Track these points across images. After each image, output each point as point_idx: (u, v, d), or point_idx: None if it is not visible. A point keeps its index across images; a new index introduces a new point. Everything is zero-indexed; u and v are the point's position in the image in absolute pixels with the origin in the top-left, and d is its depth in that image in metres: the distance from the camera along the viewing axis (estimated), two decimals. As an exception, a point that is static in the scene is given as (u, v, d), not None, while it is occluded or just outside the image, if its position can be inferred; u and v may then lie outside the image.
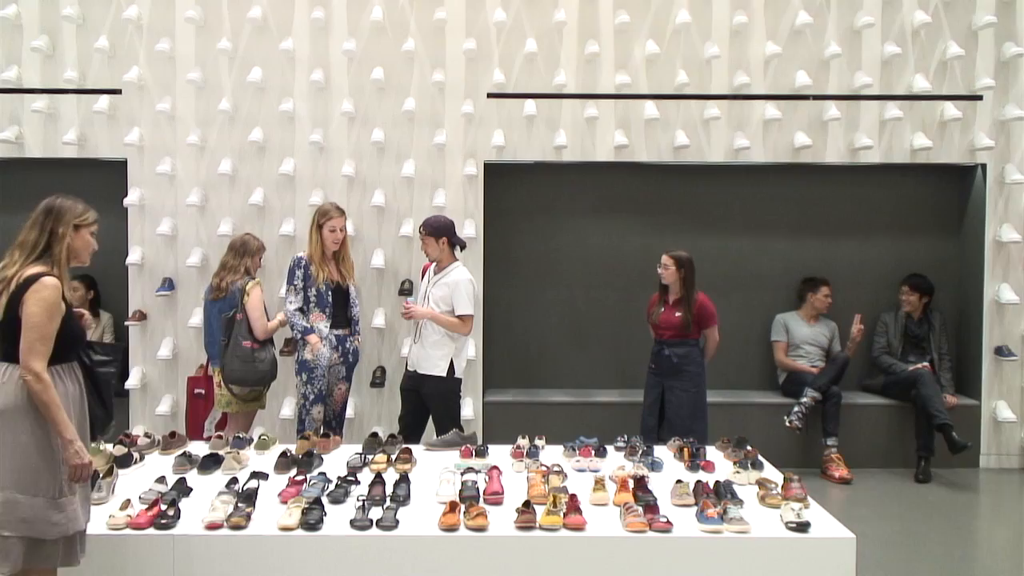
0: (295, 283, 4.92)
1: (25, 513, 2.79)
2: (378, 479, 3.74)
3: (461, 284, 4.78)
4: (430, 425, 5.01)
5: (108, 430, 3.28)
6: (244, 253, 5.16)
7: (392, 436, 4.54)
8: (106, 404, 3.16)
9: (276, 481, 3.80)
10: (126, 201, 6.02)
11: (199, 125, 6.06)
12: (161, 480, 3.70)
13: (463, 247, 4.99)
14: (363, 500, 3.41)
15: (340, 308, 5.05)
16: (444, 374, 4.81)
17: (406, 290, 5.93)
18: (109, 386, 3.17)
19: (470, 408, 6.00)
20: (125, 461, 3.96)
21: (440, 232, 4.81)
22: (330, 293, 4.96)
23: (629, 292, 6.30)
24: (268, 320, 5.04)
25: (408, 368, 5.01)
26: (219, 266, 5.23)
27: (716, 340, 5.40)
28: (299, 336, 4.90)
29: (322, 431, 4.90)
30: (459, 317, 4.78)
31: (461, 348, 4.91)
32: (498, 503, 3.54)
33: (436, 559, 3.22)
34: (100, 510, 3.41)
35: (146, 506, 3.35)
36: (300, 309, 4.90)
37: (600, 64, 6.10)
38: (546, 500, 3.43)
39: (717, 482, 3.73)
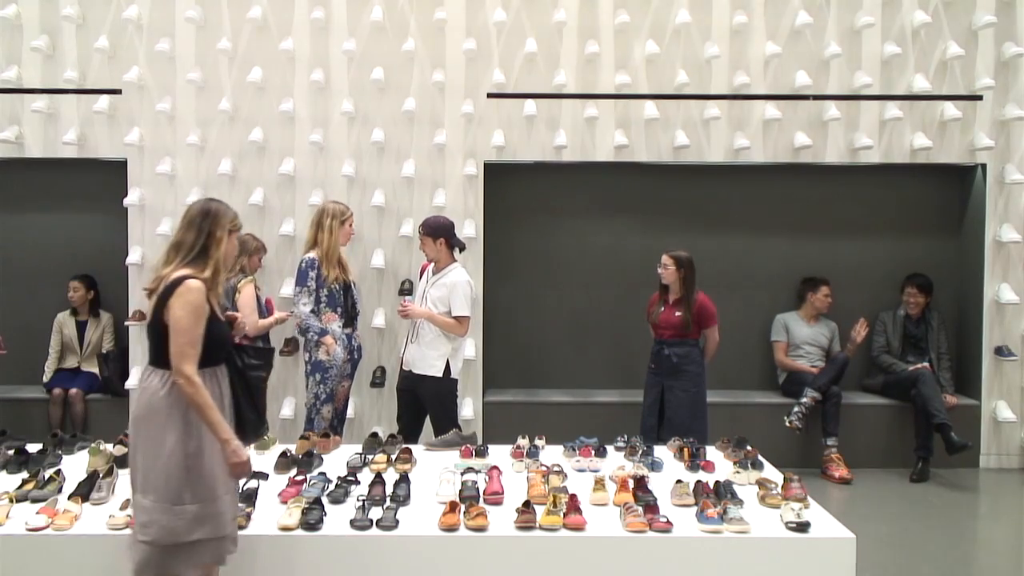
0: (308, 284, 4.90)
1: (163, 519, 2.77)
2: (378, 479, 3.74)
3: (459, 285, 4.77)
4: (429, 425, 5.01)
5: (261, 433, 3.24)
6: (241, 253, 5.17)
7: (392, 436, 4.54)
8: (258, 408, 3.19)
9: (276, 481, 3.80)
10: (126, 201, 6.02)
11: (199, 125, 6.06)
12: (161, 480, 3.69)
13: (462, 249, 4.98)
14: (363, 500, 3.41)
15: (348, 307, 5.07)
16: (440, 374, 4.80)
17: (406, 290, 5.92)
18: (260, 390, 3.16)
19: (470, 408, 6.00)
20: (125, 461, 3.94)
21: (438, 233, 4.81)
22: (342, 293, 4.98)
23: (629, 292, 6.30)
24: (260, 317, 5.02)
25: (404, 368, 5.00)
26: None
27: (716, 340, 5.40)
28: (315, 337, 4.89)
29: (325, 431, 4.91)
30: (456, 318, 4.77)
31: (458, 349, 4.90)
32: (498, 503, 3.54)
33: (436, 559, 3.22)
34: (100, 510, 3.43)
35: (146, 506, 3.34)
36: (313, 311, 4.91)
37: (600, 64, 6.10)
38: (546, 500, 3.43)
39: (717, 482, 3.73)
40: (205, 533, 2.82)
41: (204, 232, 2.92)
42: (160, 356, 2.83)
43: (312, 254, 4.95)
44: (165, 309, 2.79)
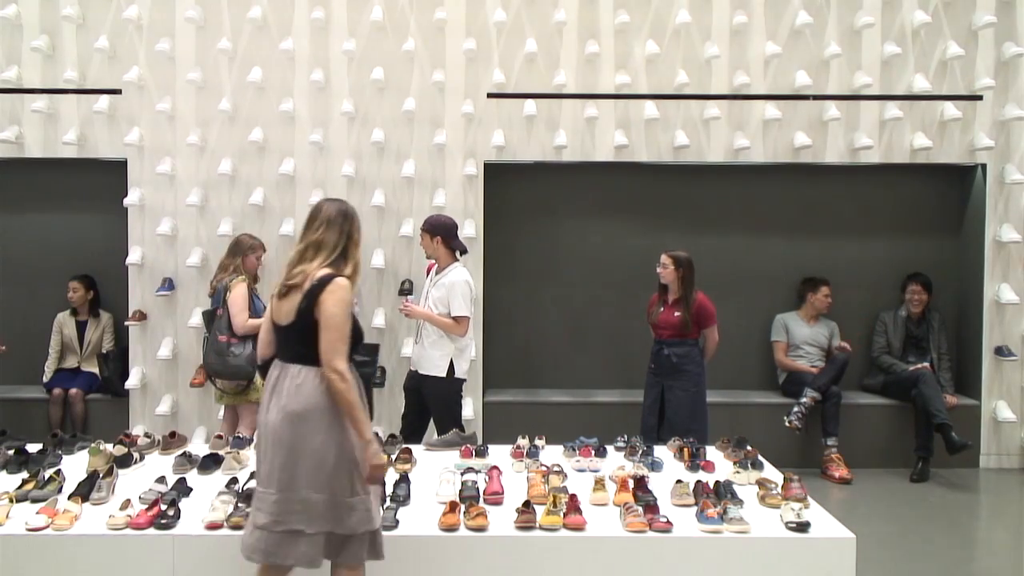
0: None
1: (323, 511, 2.81)
2: (378, 479, 3.74)
3: (457, 285, 4.77)
4: (431, 424, 5.02)
5: None
6: (236, 252, 5.18)
7: (392, 436, 4.54)
8: (370, 405, 3.21)
9: (276, 481, 3.80)
10: (126, 201, 6.02)
11: (199, 125, 6.06)
12: (161, 480, 3.70)
13: (463, 252, 4.97)
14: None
15: None
16: (444, 375, 4.80)
17: (406, 290, 5.92)
18: (370, 386, 3.18)
19: (470, 408, 5.99)
20: (125, 461, 3.96)
21: (435, 230, 4.81)
22: None
23: (629, 292, 6.30)
24: (252, 318, 5.02)
25: (411, 367, 5.03)
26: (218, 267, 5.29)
27: (716, 340, 5.40)
28: None
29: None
30: (454, 318, 4.77)
31: (462, 349, 4.89)
32: (498, 503, 3.54)
33: (436, 559, 3.22)
34: (100, 510, 3.42)
35: (146, 506, 3.35)
36: None
37: (600, 64, 6.10)
38: (546, 500, 3.43)
39: (717, 482, 3.73)
40: (360, 527, 2.88)
41: (344, 233, 2.96)
42: (310, 353, 2.84)
43: None
44: (316, 306, 2.82)
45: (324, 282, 2.84)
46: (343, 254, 2.94)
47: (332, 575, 2.95)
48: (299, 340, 2.86)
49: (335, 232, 2.94)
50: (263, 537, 2.83)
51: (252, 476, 3.74)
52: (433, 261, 4.96)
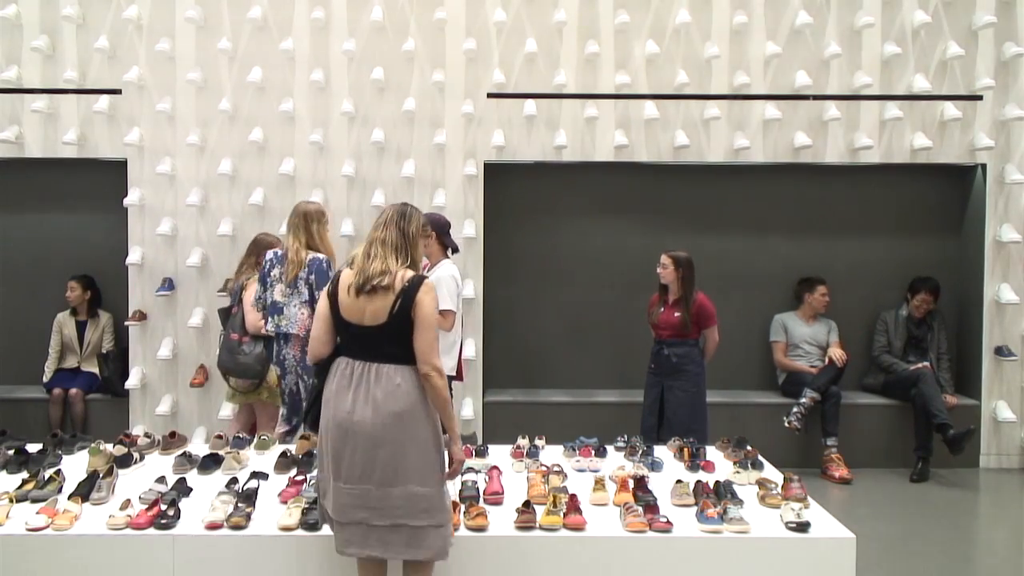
0: None
1: (428, 504, 2.91)
2: (378, 479, 3.74)
3: (443, 280, 4.74)
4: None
5: None
6: (254, 251, 5.18)
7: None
8: None
9: (276, 481, 3.80)
10: (126, 201, 6.02)
11: (199, 125, 6.06)
12: (161, 480, 3.70)
13: (455, 251, 4.97)
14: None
15: None
16: None
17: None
18: None
19: (470, 408, 6.00)
20: (125, 461, 3.96)
21: (431, 226, 4.80)
22: None
23: (629, 292, 6.30)
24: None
25: None
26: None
27: (715, 340, 5.40)
28: None
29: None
30: (440, 312, 4.74)
31: (451, 346, 4.85)
32: (498, 503, 3.54)
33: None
34: (100, 510, 3.42)
35: (146, 506, 3.35)
36: None
37: (600, 64, 6.10)
38: (546, 500, 3.43)
39: (717, 482, 3.73)
40: (449, 518, 3.02)
41: (409, 236, 3.03)
42: (403, 353, 2.91)
43: (319, 255, 4.83)
44: (412, 306, 2.89)
45: (417, 283, 2.92)
46: (411, 256, 3.02)
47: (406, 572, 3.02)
48: (392, 340, 2.92)
49: (397, 232, 3.00)
50: (362, 532, 2.90)
51: (253, 476, 3.75)
52: (426, 261, 4.96)
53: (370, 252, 2.97)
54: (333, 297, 3.00)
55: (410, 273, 2.95)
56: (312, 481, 3.49)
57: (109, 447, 4.05)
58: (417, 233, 3.05)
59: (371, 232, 3.04)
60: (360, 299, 2.92)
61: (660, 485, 3.75)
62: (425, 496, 2.91)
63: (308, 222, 4.68)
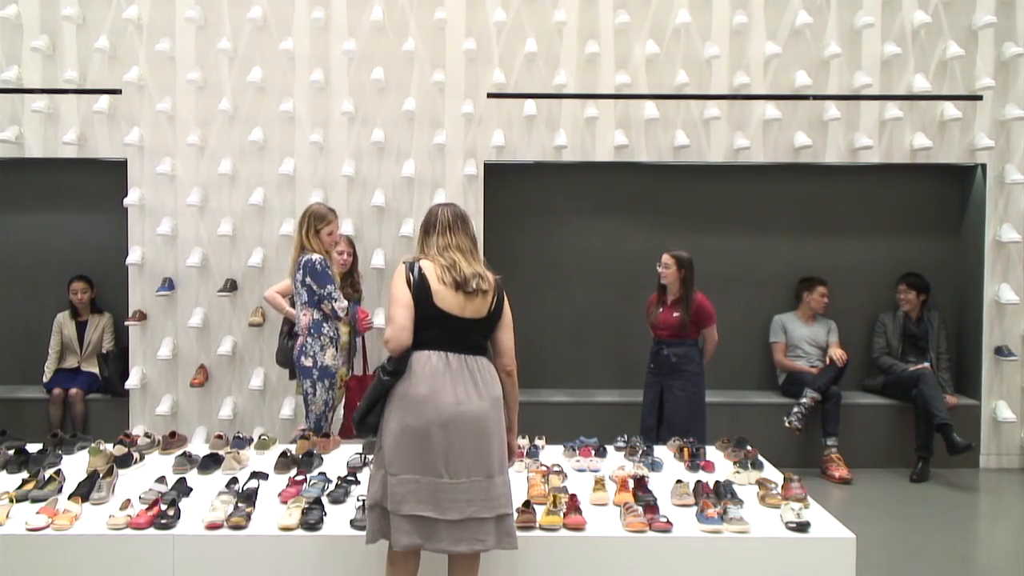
0: (334, 280, 4.78)
1: (509, 492, 3.00)
2: (378, 479, 3.73)
3: None
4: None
5: None
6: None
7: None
8: None
9: (276, 481, 3.81)
10: (126, 201, 6.02)
11: (199, 125, 6.06)
12: (161, 480, 3.70)
13: None
14: (363, 500, 3.40)
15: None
16: None
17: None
18: None
19: (470, 408, 5.99)
20: (125, 461, 3.97)
21: None
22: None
23: (629, 292, 6.30)
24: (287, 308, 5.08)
25: None
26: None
27: (715, 340, 5.40)
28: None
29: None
30: None
31: None
32: (498, 503, 3.54)
33: (436, 559, 3.20)
34: (100, 510, 3.42)
35: (146, 506, 3.35)
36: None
37: (600, 64, 6.10)
38: (546, 500, 3.44)
39: (717, 482, 3.73)
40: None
41: (473, 237, 3.16)
42: (487, 346, 3.06)
43: (314, 255, 4.82)
44: (501, 306, 3.07)
45: (501, 286, 3.10)
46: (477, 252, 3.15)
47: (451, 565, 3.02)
48: (484, 335, 3.05)
49: (468, 237, 3.12)
50: (470, 527, 2.91)
51: (253, 476, 3.75)
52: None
53: (454, 259, 3.01)
54: (420, 288, 2.95)
55: (491, 275, 3.08)
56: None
57: (109, 447, 4.06)
58: (474, 232, 3.18)
59: (436, 237, 3.05)
60: (459, 294, 2.98)
61: (660, 485, 3.75)
62: (508, 484, 2.99)
63: (301, 223, 4.73)
